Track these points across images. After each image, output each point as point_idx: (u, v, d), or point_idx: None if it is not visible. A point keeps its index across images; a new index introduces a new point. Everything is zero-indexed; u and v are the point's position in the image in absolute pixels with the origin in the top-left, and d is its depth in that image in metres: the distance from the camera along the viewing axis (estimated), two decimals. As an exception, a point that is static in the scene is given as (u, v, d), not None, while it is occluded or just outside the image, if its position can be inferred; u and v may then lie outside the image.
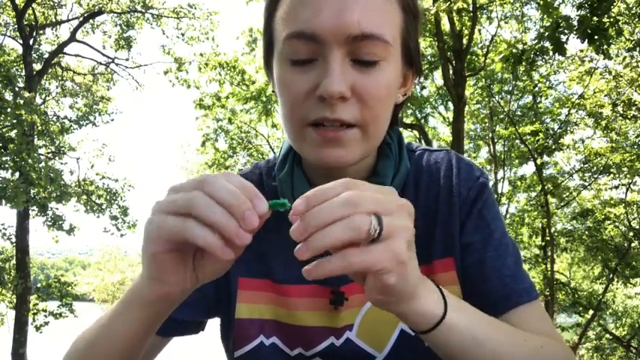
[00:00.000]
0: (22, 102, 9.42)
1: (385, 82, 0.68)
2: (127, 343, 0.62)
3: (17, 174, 9.70)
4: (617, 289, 13.08)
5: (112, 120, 14.15)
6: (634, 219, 12.18)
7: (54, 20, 12.82)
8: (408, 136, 12.50)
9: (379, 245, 0.48)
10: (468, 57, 10.66)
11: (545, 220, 11.99)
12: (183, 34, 13.20)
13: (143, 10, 12.99)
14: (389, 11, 0.67)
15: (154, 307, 0.59)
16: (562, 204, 13.42)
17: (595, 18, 4.01)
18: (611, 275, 11.87)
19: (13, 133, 9.42)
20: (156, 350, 0.82)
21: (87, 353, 0.65)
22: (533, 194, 13.12)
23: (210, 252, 0.49)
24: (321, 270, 0.49)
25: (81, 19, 12.74)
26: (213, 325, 0.92)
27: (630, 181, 11.65)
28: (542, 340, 0.67)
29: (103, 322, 0.65)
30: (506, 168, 13.56)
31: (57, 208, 11.14)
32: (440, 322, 0.57)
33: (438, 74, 11.84)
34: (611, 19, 4.29)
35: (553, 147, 12.20)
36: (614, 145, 11.60)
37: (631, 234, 11.77)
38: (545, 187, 12.07)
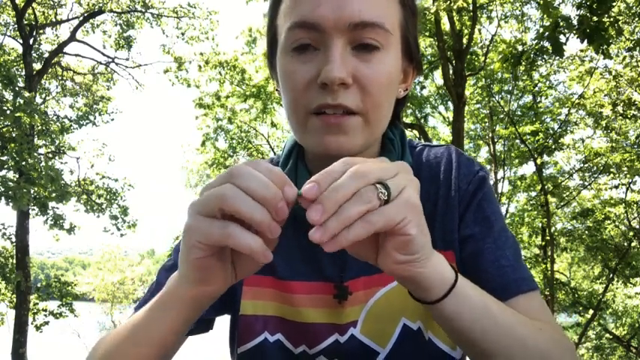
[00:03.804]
0: (22, 102, 9.42)
1: (386, 71, 0.69)
2: (164, 343, 0.62)
3: (18, 173, 9.70)
4: (617, 288, 13.08)
5: (112, 120, 14.17)
6: (634, 219, 12.18)
7: (54, 20, 12.82)
8: (408, 135, 12.46)
9: (393, 202, 0.50)
10: (468, 57, 10.65)
11: (545, 219, 11.99)
12: (183, 34, 13.20)
13: (143, 10, 12.99)
14: (388, 4, 0.69)
15: (195, 304, 0.59)
16: (562, 204, 13.41)
17: (595, 18, 4.00)
18: (611, 275, 11.87)
19: (13, 133, 9.42)
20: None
21: (121, 355, 0.65)
22: (533, 194, 13.12)
23: (253, 257, 0.50)
24: (343, 239, 0.49)
25: (81, 18, 12.74)
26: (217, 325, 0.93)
27: (630, 180, 11.66)
28: (539, 323, 0.68)
29: (135, 324, 0.65)
30: (506, 168, 13.55)
31: (57, 208, 11.16)
32: (454, 285, 0.58)
33: (438, 74, 11.83)
34: (611, 19, 4.29)
35: (553, 147, 12.21)
36: (614, 145, 11.60)
37: (631, 234, 11.77)
38: (545, 187, 12.07)
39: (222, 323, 0.93)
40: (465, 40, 9.94)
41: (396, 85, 0.73)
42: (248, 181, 0.49)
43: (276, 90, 0.79)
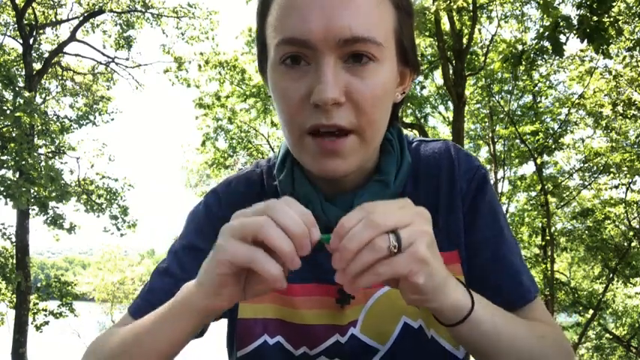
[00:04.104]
0: (22, 102, 9.42)
1: (380, 85, 0.67)
2: (169, 349, 0.66)
3: (18, 173, 9.71)
4: (617, 288, 13.08)
5: (112, 120, 14.16)
6: (634, 219, 12.19)
7: (54, 20, 12.82)
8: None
9: (402, 254, 0.54)
10: (468, 56, 10.66)
11: (545, 219, 11.99)
12: (183, 34, 13.20)
13: (143, 10, 12.99)
14: (381, 11, 0.67)
15: (204, 316, 0.63)
16: (562, 204, 13.42)
17: (595, 18, 4.00)
18: (611, 275, 11.88)
19: (13, 133, 9.42)
20: None
21: (129, 354, 0.67)
22: (533, 194, 13.12)
23: (270, 283, 0.55)
24: (357, 284, 0.55)
25: (81, 18, 12.74)
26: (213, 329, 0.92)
27: (630, 180, 11.66)
28: (543, 328, 0.72)
29: (142, 332, 0.67)
30: (506, 168, 13.55)
31: (57, 207, 11.15)
32: (469, 314, 0.62)
33: (438, 74, 11.84)
34: (611, 19, 4.29)
35: (553, 146, 12.21)
36: (614, 144, 11.61)
37: (631, 234, 11.77)
38: (545, 187, 12.07)
39: (220, 327, 0.92)
40: (465, 40, 9.94)
41: (391, 95, 0.72)
42: (282, 216, 0.55)
43: (269, 96, 0.78)
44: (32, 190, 10.00)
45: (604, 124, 11.63)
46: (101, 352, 0.70)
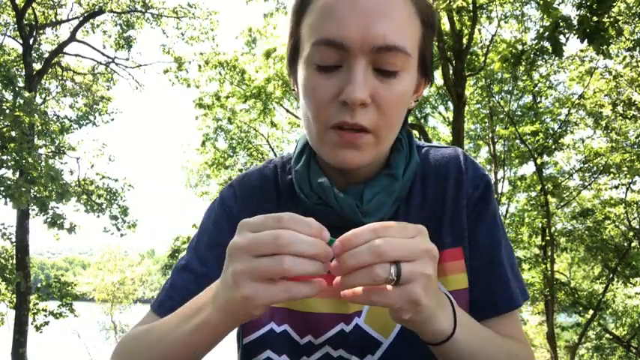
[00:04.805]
0: (22, 102, 9.43)
1: (402, 93, 0.73)
2: (199, 355, 0.68)
3: (18, 173, 9.70)
4: (617, 288, 13.07)
5: (112, 120, 14.16)
6: (634, 219, 12.18)
7: (54, 20, 12.82)
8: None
9: (398, 289, 0.56)
10: (468, 57, 10.64)
11: (545, 219, 11.99)
12: (183, 34, 13.21)
13: (143, 10, 13.00)
14: (411, 25, 0.72)
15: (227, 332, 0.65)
16: (562, 204, 13.42)
17: (595, 18, 4.01)
18: (611, 275, 11.87)
19: (13, 133, 9.42)
20: None
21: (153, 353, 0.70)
22: (533, 194, 13.12)
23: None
24: (351, 300, 0.59)
25: (81, 18, 12.74)
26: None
27: (630, 181, 11.66)
28: (517, 347, 0.78)
29: (171, 342, 0.68)
30: (506, 168, 13.55)
31: (57, 207, 11.15)
32: (448, 338, 0.64)
33: (438, 74, 11.83)
34: (611, 19, 4.29)
35: (553, 147, 12.21)
36: (614, 145, 11.61)
37: (631, 234, 11.77)
38: (545, 187, 12.07)
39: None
40: (465, 40, 9.93)
41: (409, 102, 0.77)
42: (299, 247, 0.55)
43: (292, 90, 0.83)
44: (32, 190, 9.99)
45: (604, 125, 11.63)
46: (134, 351, 0.73)
